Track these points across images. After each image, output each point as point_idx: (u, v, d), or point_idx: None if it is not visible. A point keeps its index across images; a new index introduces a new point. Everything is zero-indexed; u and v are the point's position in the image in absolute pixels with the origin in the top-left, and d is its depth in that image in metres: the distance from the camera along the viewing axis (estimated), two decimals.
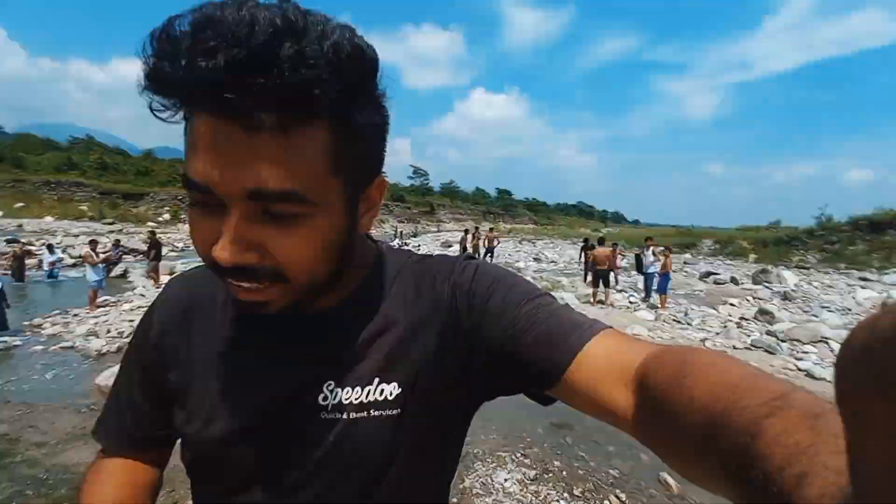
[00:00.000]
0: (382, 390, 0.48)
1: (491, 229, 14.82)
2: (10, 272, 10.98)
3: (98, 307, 7.82)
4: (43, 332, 6.56)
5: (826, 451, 0.21)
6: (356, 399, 0.48)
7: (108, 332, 6.33)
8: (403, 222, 58.63)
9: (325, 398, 0.48)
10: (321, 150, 0.38)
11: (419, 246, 24.94)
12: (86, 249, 8.65)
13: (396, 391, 0.48)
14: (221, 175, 0.37)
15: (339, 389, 0.48)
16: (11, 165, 36.95)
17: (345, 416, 0.48)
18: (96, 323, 6.80)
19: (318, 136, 0.38)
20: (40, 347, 5.85)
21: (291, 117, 0.36)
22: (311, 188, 0.39)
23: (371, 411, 0.48)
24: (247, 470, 0.50)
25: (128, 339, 3.83)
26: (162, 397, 0.55)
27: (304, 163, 0.38)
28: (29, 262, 11.86)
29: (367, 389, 0.48)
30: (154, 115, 0.37)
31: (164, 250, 12.22)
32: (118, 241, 14.79)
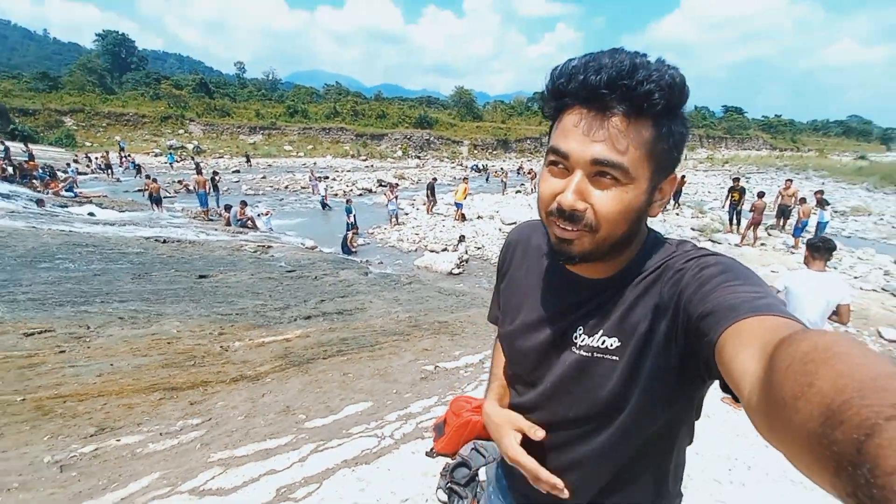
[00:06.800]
0: (604, 342, 0.66)
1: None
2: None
3: (395, 225, 13.39)
4: (376, 237, 12.21)
5: None
6: (591, 344, 0.68)
7: (408, 239, 11.65)
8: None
9: (576, 338, 0.69)
10: (644, 142, 0.57)
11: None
12: (386, 190, 14.25)
13: (616, 344, 0.65)
14: (579, 146, 0.57)
15: (585, 335, 0.69)
16: (301, 116, 51.01)
17: (583, 353, 0.68)
18: (400, 234, 12.24)
19: (644, 132, 0.57)
20: (378, 245, 11.36)
21: (631, 115, 0.56)
22: (633, 166, 0.57)
23: (595, 354, 0.67)
24: (522, 366, 0.77)
25: (420, 244, 11.52)
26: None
27: (632, 147, 0.57)
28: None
29: (595, 338, 0.67)
30: (543, 115, 0.63)
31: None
32: (397, 184, 21.40)
